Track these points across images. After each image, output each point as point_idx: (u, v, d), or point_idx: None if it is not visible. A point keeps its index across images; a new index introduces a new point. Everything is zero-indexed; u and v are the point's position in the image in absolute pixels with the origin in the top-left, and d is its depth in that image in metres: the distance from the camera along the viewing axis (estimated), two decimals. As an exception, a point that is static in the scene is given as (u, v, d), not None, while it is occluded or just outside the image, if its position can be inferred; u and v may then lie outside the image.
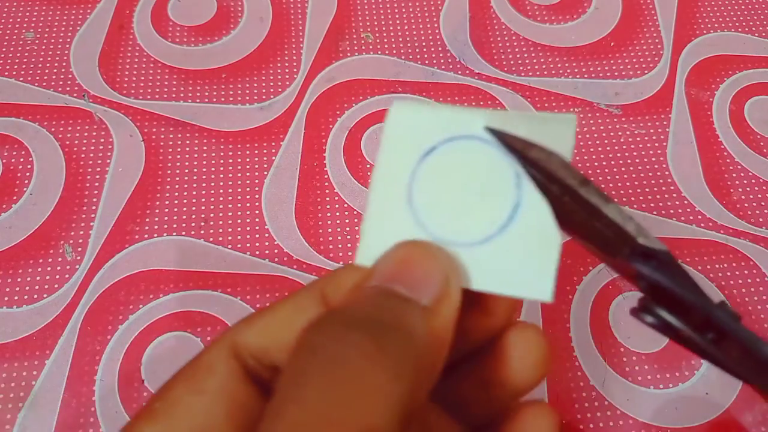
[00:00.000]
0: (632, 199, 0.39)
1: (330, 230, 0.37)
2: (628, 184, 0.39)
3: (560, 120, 0.20)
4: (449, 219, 0.20)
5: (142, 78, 0.42)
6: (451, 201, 0.20)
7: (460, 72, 0.43)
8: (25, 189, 0.38)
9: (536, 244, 0.19)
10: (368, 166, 0.40)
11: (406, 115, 0.21)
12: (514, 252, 0.19)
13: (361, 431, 0.16)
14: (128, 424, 0.20)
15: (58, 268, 0.36)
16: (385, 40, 0.44)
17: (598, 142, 0.40)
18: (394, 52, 0.44)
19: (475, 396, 0.22)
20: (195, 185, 0.39)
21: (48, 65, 0.43)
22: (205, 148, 0.40)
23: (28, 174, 0.39)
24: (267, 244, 0.37)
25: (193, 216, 0.38)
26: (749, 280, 0.36)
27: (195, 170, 0.39)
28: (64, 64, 0.43)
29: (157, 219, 0.38)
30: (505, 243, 0.19)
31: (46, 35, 0.44)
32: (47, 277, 0.36)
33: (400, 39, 0.44)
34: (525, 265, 0.19)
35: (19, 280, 0.36)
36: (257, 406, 0.20)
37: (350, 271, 0.20)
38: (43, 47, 0.43)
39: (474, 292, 0.19)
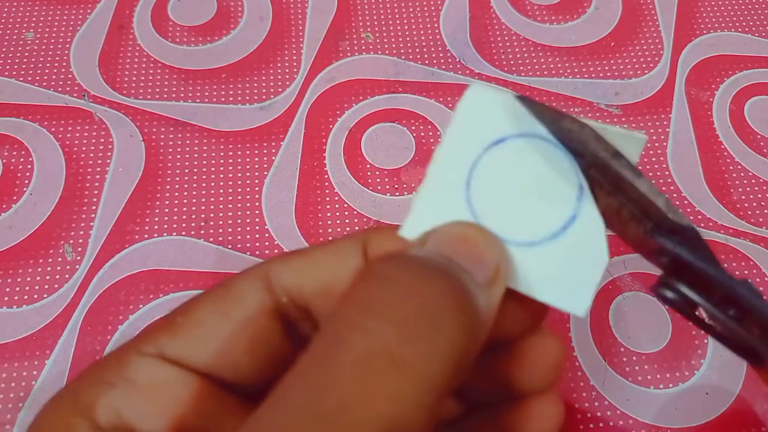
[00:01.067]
0: (632, 199, 0.39)
1: (330, 230, 0.37)
2: (628, 184, 0.39)
3: (631, 138, 0.19)
4: (502, 214, 0.19)
5: (142, 78, 0.42)
6: (508, 197, 0.19)
7: (460, 72, 0.43)
8: (25, 189, 0.38)
9: (583, 260, 0.19)
10: (368, 166, 0.40)
11: (483, 99, 0.20)
12: (560, 262, 0.19)
13: (427, 377, 0.15)
14: (145, 332, 0.19)
15: (58, 268, 0.36)
16: (385, 40, 0.44)
17: (598, 142, 0.40)
18: (394, 52, 0.44)
19: (478, 383, 0.22)
20: (195, 185, 0.39)
21: (48, 65, 0.43)
22: (205, 148, 0.40)
23: (28, 174, 0.39)
24: (267, 244, 0.37)
25: (193, 216, 0.38)
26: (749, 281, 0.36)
27: (195, 170, 0.39)
28: (64, 64, 0.43)
29: (157, 219, 0.38)
30: (552, 251, 0.19)
31: (46, 35, 0.44)
32: (47, 277, 0.36)
33: (400, 39, 0.44)
34: (567, 277, 0.19)
35: (19, 280, 0.36)
36: (279, 345, 0.20)
37: (394, 235, 0.20)
38: (43, 47, 0.43)
39: (509, 291, 0.19)
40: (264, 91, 0.42)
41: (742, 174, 0.40)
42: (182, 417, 0.18)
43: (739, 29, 0.45)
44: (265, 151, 0.40)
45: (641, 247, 0.20)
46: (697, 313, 0.19)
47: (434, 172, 0.20)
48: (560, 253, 0.19)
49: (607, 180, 0.19)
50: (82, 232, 0.37)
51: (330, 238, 0.21)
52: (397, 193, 0.39)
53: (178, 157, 0.40)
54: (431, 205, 0.20)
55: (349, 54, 0.44)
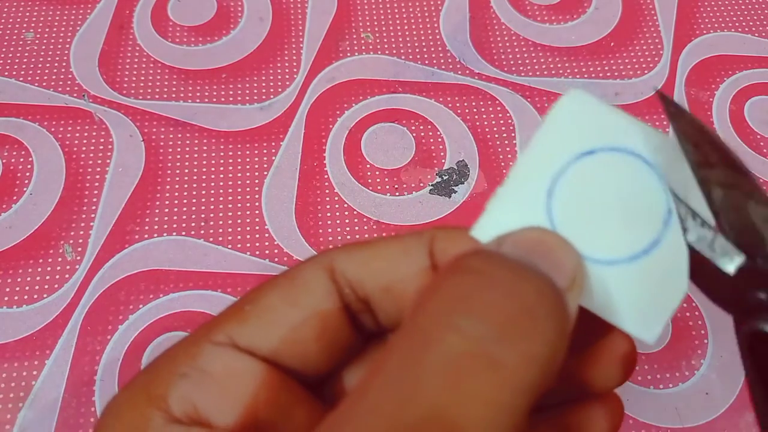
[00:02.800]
0: (632, 199, 0.39)
1: (330, 230, 0.37)
2: (628, 184, 0.39)
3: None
4: (582, 228, 0.18)
5: (142, 78, 0.42)
6: (591, 211, 0.19)
7: (460, 72, 0.43)
8: (25, 189, 0.38)
9: (661, 287, 0.18)
10: (368, 166, 0.40)
11: (579, 106, 0.19)
12: (636, 286, 0.18)
13: (525, 380, 0.14)
14: (214, 321, 0.19)
15: (58, 268, 0.36)
16: (385, 40, 0.44)
17: (598, 142, 0.40)
18: (394, 52, 0.44)
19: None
20: (195, 185, 0.39)
21: (48, 65, 0.43)
22: (205, 148, 0.40)
23: (28, 174, 0.39)
24: (267, 244, 0.37)
25: (193, 216, 0.38)
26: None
27: (195, 170, 0.39)
28: (64, 64, 0.43)
29: (157, 219, 0.38)
30: (630, 273, 0.18)
31: (46, 35, 0.44)
32: (47, 277, 0.36)
33: (400, 39, 0.44)
34: (641, 303, 0.18)
35: (19, 280, 0.36)
36: (344, 334, 0.20)
37: (464, 235, 0.19)
38: (43, 47, 0.43)
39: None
40: (264, 91, 0.42)
41: (742, 174, 0.40)
42: (255, 407, 0.18)
43: (739, 29, 0.45)
44: (265, 151, 0.40)
45: (722, 285, 0.19)
46: None
47: (516, 175, 0.19)
48: (637, 276, 0.18)
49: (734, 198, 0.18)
50: (82, 232, 0.37)
51: (393, 234, 0.21)
52: (397, 193, 0.39)
53: (178, 157, 0.40)
54: (509, 209, 0.19)
55: (349, 54, 0.44)
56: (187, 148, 0.40)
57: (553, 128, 0.19)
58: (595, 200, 0.19)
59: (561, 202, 0.19)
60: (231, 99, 0.42)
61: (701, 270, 0.18)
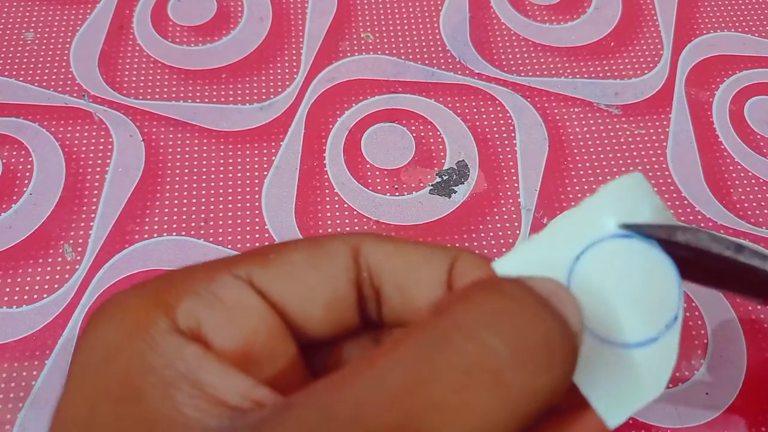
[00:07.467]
0: (632, 199, 0.39)
1: (330, 230, 0.37)
2: (628, 184, 0.39)
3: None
4: (592, 299, 0.19)
5: (142, 78, 0.42)
6: (606, 287, 0.20)
7: (460, 72, 0.43)
8: (25, 189, 0.38)
9: (640, 381, 0.19)
10: (368, 166, 0.40)
11: (636, 189, 0.20)
12: (619, 371, 0.19)
13: (522, 407, 0.15)
14: (237, 257, 0.20)
15: (58, 268, 0.36)
16: (385, 40, 0.44)
17: (598, 142, 0.40)
18: (394, 52, 0.44)
19: None
20: (195, 185, 0.39)
21: (48, 65, 0.43)
22: (205, 148, 0.40)
23: (28, 174, 0.39)
24: (267, 244, 0.37)
25: (193, 216, 0.38)
26: (749, 280, 0.36)
27: (195, 170, 0.39)
28: (64, 64, 0.43)
29: (157, 219, 0.38)
30: (619, 358, 0.19)
31: (46, 35, 0.44)
32: (47, 277, 0.36)
33: (400, 39, 0.44)
34: (618, 388, 0.19)
35: (19, 280, 0.36)
36: (349, 312, 0.20)
37: (486, 265, 0.20)
38: (43, 47, 0.43)
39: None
40: (264, 91, 0.42)
41: (742, 174, 0.40)
42: (252, 343, 0.19)
43: (739, 29, 0.45)
44: (265, 151, 0.40)
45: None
46: None
47: (558, 228, 0.20)
48: (624, 363, 0.19)
49: (739, 270, 0.19)
50: (82, 232, 0.37)
51: (421, 240, 0.22)
52: (397, 193, 0.39)
53: (178, 157, 0.40)
54: (536, 257, 0.20)
55: (349, 54, 0.44)
56: (187, 148, 0.40)
57: (605, 200, 0.20)
58: (614, 280, 0.20)
59: (583, 270, 0.20)
60: (231, 99, 0.42)
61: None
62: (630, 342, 0.19)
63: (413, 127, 0.41)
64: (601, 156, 0.40)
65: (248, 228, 0.37)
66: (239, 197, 0.38)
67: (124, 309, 0.18)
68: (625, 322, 0.19)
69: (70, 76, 0.42)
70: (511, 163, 0.40)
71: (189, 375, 0.17)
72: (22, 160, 0.39)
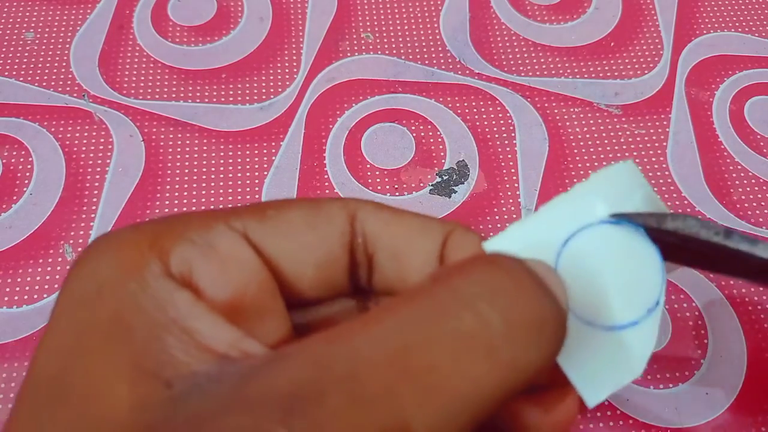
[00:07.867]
0: (632, 199, 0.39)
1: (330, 230, 0.37)
2: (628, 184, 0.39)
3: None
4: (578, 282, 0.20)
5: (142, 78, 0.42)
6: (592, 272, 0.20)
7: (460, 72, 0.43)
8: (25, 189, 0.38)
9: (620, 362, 0.20)
10: (368, 166, 0.40)
11: (628, 176, 0.21)
12: (600, 352, 0.20)
13: (509, 379, 0.16)
14: (234, 210, 0.20)
15: (58, 268, 0.36)
16: (385, 40, 0.44)
17: (598, 142, 0.40)
18: (394, 52, 0.44)
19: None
20: (195, 185, 0.39)
21: (48, 65, 0.43)
22: (205, 148, 0.40)
23: (28, 174, 0.39)
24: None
25: (193, 216, 0.38)
26: (749, 280, 0.36)
27: (195, 170, 0.39)
28: (64, 64, 0.43)
29: (157, 219, 0.38)
30: (601, 339, 0.20)
31: (46, 35, 0.44)
32: (47, 277, 0.36)
33: (400, 39, 0.44)
34: (598, 368, 0.19)
35: (19, 280, 0.36)
36: (339, 276, 0.21)
37: (477, 242, 0.21)
38: (43, 47, 0.43)
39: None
40: (264, 91, 0.42)
41: (742, 174, 0.40)
42: (242, 295, 0.19)
43: (739, 29, 0.45)
44: (265, 151, 0.40)
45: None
46: None
47: (548, 211, 0.21)
48: (605, 345, 0.20)
49: (728, 254, 0.20)
50: (82, 232, 0.37)
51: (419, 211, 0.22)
52: (397, 194, 0.39)
53: (178, 157, 0.40)
54: (526, 239, 0.20)
55: (349, 54, 0.44)
56: (187, 148, 0.40)
57: (596, 186, 0.21)
58: (600, 264, 0.20)
59: (571, 253, 0.20)
60: (231, 99, 0.42)
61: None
62: (612, 325, 0.20)
63: (413, 127, 0.41)
64: (601, 156, 0.40)
65: (248, 228, 0.37)
66: (239, 197, 0.38)
67: (118, 247, 0.18)
68: (608, 305, 0.20)
69: (70, 76, 0.42)
70: (511, 163, 0.40)
71: (178, 321, 0.17)
72: (22, 160, 0.39)
